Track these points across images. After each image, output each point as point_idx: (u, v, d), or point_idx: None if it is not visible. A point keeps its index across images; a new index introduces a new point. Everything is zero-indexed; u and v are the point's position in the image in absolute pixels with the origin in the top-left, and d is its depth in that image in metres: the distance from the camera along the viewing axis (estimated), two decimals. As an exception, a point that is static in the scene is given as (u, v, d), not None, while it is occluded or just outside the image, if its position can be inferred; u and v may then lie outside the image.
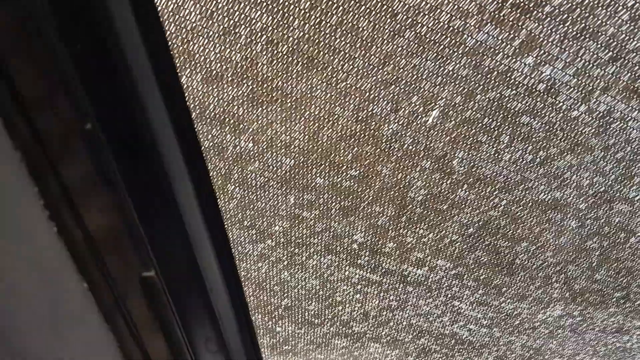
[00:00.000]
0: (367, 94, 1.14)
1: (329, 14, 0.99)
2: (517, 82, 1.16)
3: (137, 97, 0.45)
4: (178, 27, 1.00)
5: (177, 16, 0.99)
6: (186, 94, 1.12)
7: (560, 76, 1.16)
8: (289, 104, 1.15)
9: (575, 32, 1.09)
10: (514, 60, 1.11)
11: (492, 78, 1.14)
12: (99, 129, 0.44)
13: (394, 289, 1.75)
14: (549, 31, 1.07)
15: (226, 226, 1.47)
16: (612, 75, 1.17)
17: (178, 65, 1.06)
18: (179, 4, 0.97)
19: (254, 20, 0.99)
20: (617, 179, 1.42)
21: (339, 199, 1.39)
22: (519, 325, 1.96)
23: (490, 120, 1.23)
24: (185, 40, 1.03)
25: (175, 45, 1.03)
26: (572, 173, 1.39)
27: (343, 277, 1.68)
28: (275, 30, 1.01)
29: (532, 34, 1.07)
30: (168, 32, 1.00)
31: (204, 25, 1.00)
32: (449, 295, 1.79)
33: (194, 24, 1.00)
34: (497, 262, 1.65)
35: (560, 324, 1.97)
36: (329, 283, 1.70)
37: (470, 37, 1.06)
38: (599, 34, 1.10)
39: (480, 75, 1.13)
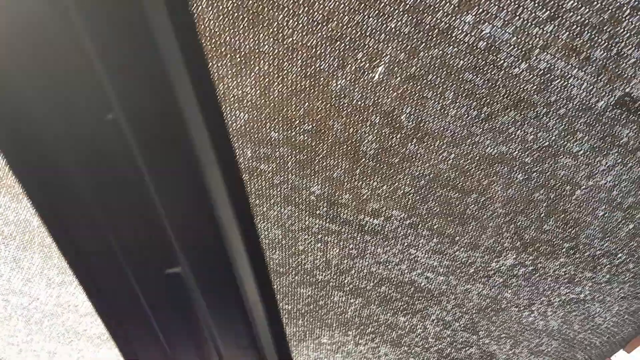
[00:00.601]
0: (314, 50, 1.18)
1: (271, -29, 1.03)
2: (458, 40, 1.21)
3: (168, 86, 0.45)
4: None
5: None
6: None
7: (500, 34, 1.21)
8: (238, 59, 1.19)
9: (512, -8, 1.13)
10: (454, 18, 1.16)
11: (434, 35, 1.19)
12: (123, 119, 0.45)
13: (352, 238, 1.83)
14: (487, -10, 1.12)
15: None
16: (550, 34, 1.22)
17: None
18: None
19: (198, -23, 1.03)
20: (560, 134, 1.49)
21: (294, 152, 1.45)
22: (474, 273, 2.07)
23: (435, 76, 1.28)
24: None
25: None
26: (516, 128, 1.46)
27: (304, 226, 1.76)
28: (220, -13, 1.04)
29: (471, -7, 1.12)
30: None
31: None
32: (405, 244, 1.88)
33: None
34: (449, 212, 1.74)
35: (514, 272, 2.07)
36: (290, 233, 1.78)
37: (410, -5, 1.10)
38: (536, -7, 1.14)
39: (421, 33, 1.18)
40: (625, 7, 1.16)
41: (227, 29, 1.12)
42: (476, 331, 2.37)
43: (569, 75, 1.33)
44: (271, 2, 1.07)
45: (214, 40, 1.15)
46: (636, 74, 1.32)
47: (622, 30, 1.21)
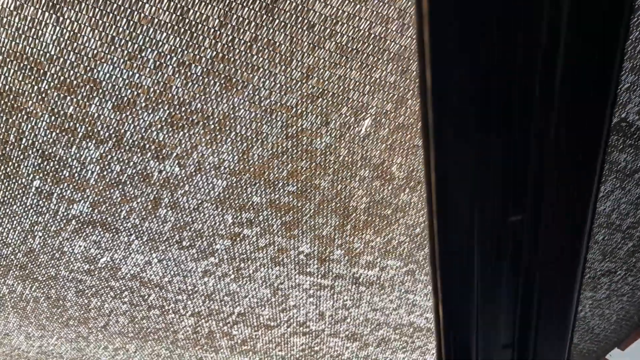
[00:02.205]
0: (294, 109, 1.08)
1: (241, 30, 0.93)
2: (448, 86, 1.12)
3: None
4: (78, 55, 0.92)
5: (76, 44, 0.90)
6: (97, 123, 1.03)
7: (492, 76, 1.13)
8: (212, 126, 1.08)
9: (502, 33, 1.05)
10: (443, 64, 1.07)
11: (422, 84, 1.10)
12: None
13: (347, 290, 1.72)
14: None
15: (164, 247, 1.41)
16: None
17: (84, 94, 0.98)
18: (75, 31, 0.88)
19: (161, 43, 0.92)
20: (558, 169, 1.41)
21: (279, 214, 1.34)
22: (476, 312, 1.97)
23: (425, 124, 1.19)
24: (89, 68, 0.94)
25: (79, 74, 0.95)
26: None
27: (294, 284, 1.64)
28: (186, 52, 0.94)
29: (459, 38, 1.03)
30: (68, 62, 0.92)
31: (107, 52, 0.92)
32: (403, 290, 1.77)
33: (95, 51, 0.92)
34: (448, 257, 1.64)
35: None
36: (280, 291, 1.66)
37: (393, 43, 1.01)
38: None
39: (408, 80, 1.09)
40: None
41: (198, 95, 1.01)
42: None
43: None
44: (244, 63, 0.97)
45: (183, 109, 1.04)
46: (631, 98, 1.26)
47: (618, 62, 1.14)
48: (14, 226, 1.29)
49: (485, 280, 0.69)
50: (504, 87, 0.51)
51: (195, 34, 0.91)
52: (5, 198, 1.20)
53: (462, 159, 0.55)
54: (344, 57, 1.02)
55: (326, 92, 1.07)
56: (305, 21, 0.93)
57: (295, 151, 1.16)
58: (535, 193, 0.57)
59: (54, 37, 0.88)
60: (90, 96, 0.99)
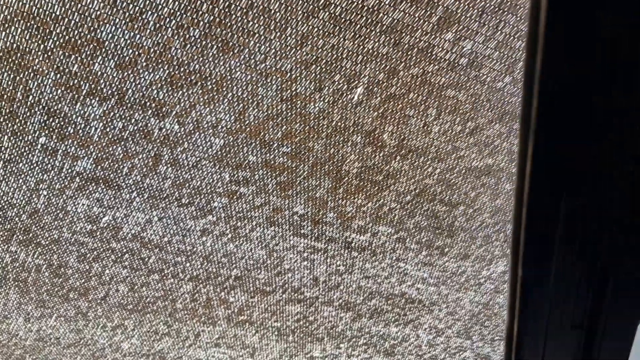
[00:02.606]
0: (288, 74, 1.13)
1: (239, -4, 0.97)
2: (438, 58, 1.16)
3: None
4: (82, 15, 0.97)
5: (80, 5, 0.95)
6: (100, 81, 1.09)
7: (482, 49, 1.16)
8: (210, 87, 1.13)
9: (493, 7, 1.08)
10: (434, 36, 1.11)
11: (413, 55, 1.14)
12: None
13: (339, 255, 1.79)
14: (466, 6, 1.07)
15: (164, 204, 1.47)
16: (533, 46, 1.18)
17: (88, 53, 1.03)
18: (79, -8, 0.93)
19: (160, 6, 0.96)
20: (546, 143, 1.45)
21: (274, 174, 1.40)
22: (465, 282, 2.04)
23: (416, 95, 1.23)
24: (92, 28, 0.99)
25: (82, 34, 1.00)
26: (502, 140, 1.41)
27: (288, 246, 1.71)
28: (184, 15, 0.98)
29: (450, 10, 1.07)
30: (72, 22, 0.97)
31: (109, 13, 0.96)
32: (394, 258, 1.84)
33: (98, 12, 0.96)
34: (437, 225, 1.70)
35: (505, 278, 2.04)
36: (275, 252, 1.73)
37: (386, 16, 1.05)
38: (518, 7, 1.10)
39: (400, 53, 1.13)
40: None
41: (196, 57, 1.06)
42: (469, 336, 2.34)
43: (554, 85, 1.29)
44: (241, 28, 1.02)
45: (182, 69, 1.09)
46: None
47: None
48: (19, 185, 1.36)
49: (561, 265, 0.72)
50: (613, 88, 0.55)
51: (193, -2, 0.96)
52: (12, 156, 1.27)
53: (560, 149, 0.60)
54: (337, 27, 1.06)
55: (320, 59, 1.11)
56: (300, -11, 0.97)
57: (289, 114, 1.21)
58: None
59: (60, -4, 0.93)
60: (94, 55, 1.04)
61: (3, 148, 1.23)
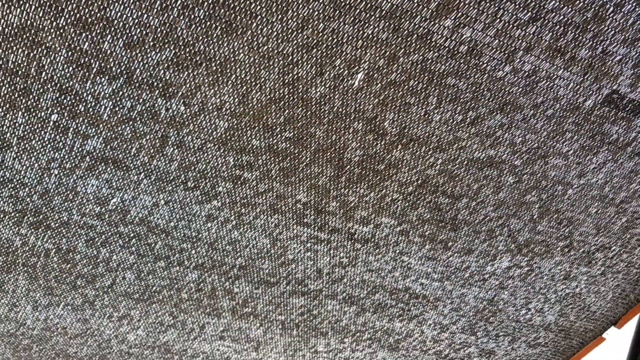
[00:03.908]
0: (290, 57, 1.16)
1: (242, -22, 1.01)
2: (438, 45, 1.18)
3: None
4: (92, -7, 1.01)
5: (90, -18, 1.00)
6: (110, 60, 1.14)
7: (481, 37, 1.18)
8: (214, 68, 1.17)
9: (491, -6, 1.10)
10: (433, 23, 1.13)
11: (413, 41, 1.16)
12: None
13: (342, 246, 1.81)
14: (464, -7, 1.09)
15: (171, 187, 1.51)
16: (533, 35, 1.20)
17: (98, 31, 1.08)
18: (90, -30, 0.98)
19: (167, -14, 1.01)
20: (549, 135, 1.46)
21: (277, 160, 1.43)
22: (469, 277, 2.04)
23: (416, 82, 1.25)
24: (102, 7, 1.04)
25: (93, 12, 1.04)
26: (503, 131, 1.43)
27: (292, 235, 1.73)
28: (190, -4, 1.02)
29: (448, -4, 1.09)
30: (83, 0, 1.01)
31: (118, -8, 1.01)
32: (397, 251, 1.85)
33: (108, -10, 1.01)
34: (440, 218, 1.71)
35: (509, 274, 2.04)
36: (278, 242, 1.76)
37: (385, 1, 1.08)
38: (516, -5, 1.12)
39: (400, 39, 1.15)
40: (608, 5, 1.13)
41: (201, 37, 1.10)
42: (474, 332, 2.34)
43: (555, 75, 1.30)
44: (244, 10, 1.05)
45: (188, 49, 1.13)
46: (622, 71, 1.30)
47: (607, 28, 1.18)
48: (31, 163, 1.41)
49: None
50: None
51: (198, -21, 1.00)
52: (25, 132, 1.32)
53: None
54: (337, 12, 1.09)
55: (320, 43, 1.14)
56: (301, -28, 1.01)
57: (291, 98, 1.25)
58: None
59: (72, -26, 0.98)
60: (104, 33, 1.08)
61: (17, 124, 1.28)
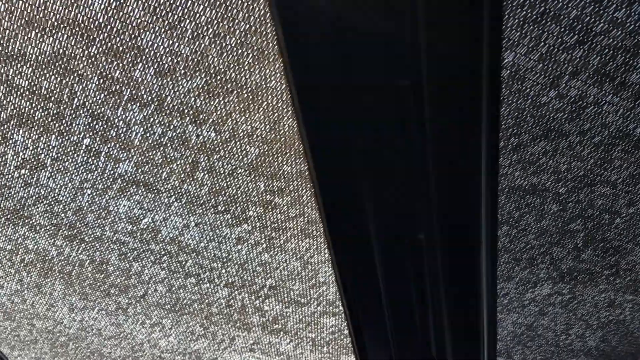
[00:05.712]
0: (323, 84, 1.13)
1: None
2: (478, 70, 1.13)
3: None
4: (123, 23, 1.00)
5: (121, 13, 0.99)
6: (141, 87, 1.12)
7: (524, 62, 1.12)
8: (245, 95, 1.14)
9: (535, 16, 1.04)
10: (473, 47, 1.08)
11: (451, 66, 1.11)
12: None
13: (376, 270, 1.76)
14: (507, 16, 1.03)
15: (201, 210, 1.50)
16: (580, 59, 1.13)
17: (129, 60, 1.07)
18: (121, 1, 0.96)
19: (198, 14, 0.98)
20: (596, 162, 1.38)
21: (309, 185, 1.39)
22: (508, 304, 1.96)
23: (454, 107, 1.20)
24: (133, 36, 1.02)
25: (124, 41, 1.03)
26: (547, 158, 1.36)
27: (323, 259, 1.69)
28: (221, 24, 1.00)
29: (490, 21, 1.04)
30: (115, 29, 1.00)
31: (149, 21, 0.99)
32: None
33: (139, 20, 1.00)
34: (478, 244, 1.64)
35: (550, 301, 1.96)
36: (310, 265, 1.72)
37: (423, 26, 1.03)
38: (561, 17, 1.05)
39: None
40: (663, 30, 1.06)
41: (232, 65, 1.08)
42: (510, 355, 2.27)
43: (603, 101, 1.23)
44: (276, 36, 1.02)
45: (219, 77, 1.10)
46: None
47: (661, 53, 1.11)
48: (65, 183, 1.42)
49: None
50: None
51: (229, 7, 0.97)
52: (59, 154, 1.32)
53: None
54: (373, 36, 1.05)
55: (355, 69, 1.10)
56: None
57: (323, 125, 1.21)
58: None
59: (102, 6, 0.96)
60: (135, 62, 1.07)
61: (51, 147, 1.29)
